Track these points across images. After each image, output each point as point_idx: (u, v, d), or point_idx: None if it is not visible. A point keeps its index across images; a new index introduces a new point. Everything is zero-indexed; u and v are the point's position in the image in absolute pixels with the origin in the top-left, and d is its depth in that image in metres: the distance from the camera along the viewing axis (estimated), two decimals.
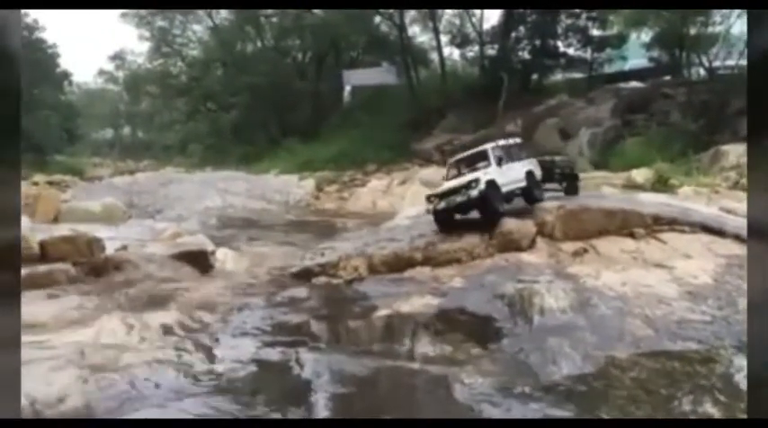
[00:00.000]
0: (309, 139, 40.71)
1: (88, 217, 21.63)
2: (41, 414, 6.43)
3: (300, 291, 11.02)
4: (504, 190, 13.45)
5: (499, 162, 13.77)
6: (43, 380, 7.02)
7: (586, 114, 32.49)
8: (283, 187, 29.85)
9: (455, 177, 14.50)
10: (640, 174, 23.32)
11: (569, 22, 35.10)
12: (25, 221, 20.22)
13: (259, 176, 32.38)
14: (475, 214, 13.54)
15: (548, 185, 15.48)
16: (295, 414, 6.62)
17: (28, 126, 47.89)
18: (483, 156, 14.16)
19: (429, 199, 13.75)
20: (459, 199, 12.96)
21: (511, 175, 13.86)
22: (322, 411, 6.68)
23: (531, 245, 11.90)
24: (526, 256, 11.25)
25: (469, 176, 13.48)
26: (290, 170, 35.30)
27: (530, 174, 14.55)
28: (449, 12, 41.64)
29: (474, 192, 12.74)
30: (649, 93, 32.34)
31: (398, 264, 12.10)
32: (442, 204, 13.24)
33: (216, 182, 29.24)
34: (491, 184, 12.96)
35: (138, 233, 18.40)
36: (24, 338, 8.26)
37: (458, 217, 13.76)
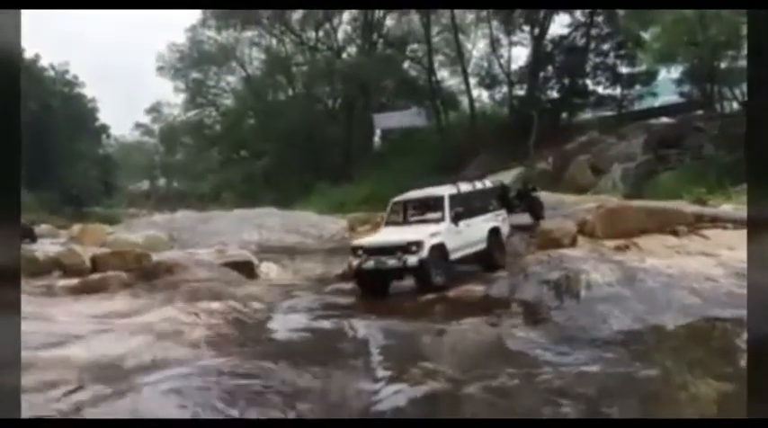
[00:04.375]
0: (341, 183, 41.38)
1: (132, 247, 22.20)
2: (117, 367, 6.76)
3: (346, 285, 11.26)
4: (454, 256, 11.05)
5: (456, 218, 11.22)
6: (117, 345, 7.39)
7: (618, 150, 32.61)
8: (318, 222, 30.26)
9: (397, 223, 12.08)
10: (677, 204, 23.25)
11: (597, 60, 35.65)
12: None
13: (293, 212, 32.89)
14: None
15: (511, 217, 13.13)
16: (354, 364, 6.83)
17: (67, 178, 49.85)
18: (437, 205, 11.57)
19: (355, 251, 11.04)
20: (391, 263, 10.41)
21: (468, 236, 11.39)
22: (377, 357, 6.88)
23: (573, 244, 12.01)
24: (568, 251, 11.35)
25: (411, 234, 10.84)
26: (323, 213, 35.78)
27: (494, 233, 12.06)
28: (476, 54, 42.68)
29: (413, 260, 10.24)
30: (681, 127, 32.39)
31: None
32: (371, 263, 10.63)
33: (252, 218, 29.79)
34: (437, 250, 10.58)
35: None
36: (98, 324, 8.69)
37: (393, 284, 11.10)
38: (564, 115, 37.38)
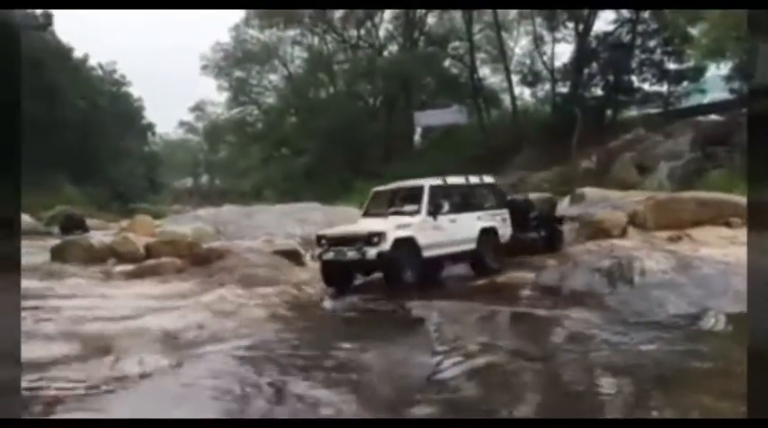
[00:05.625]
0: (381, 181, 41.44)
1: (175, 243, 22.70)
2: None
3: None
4: (430, 253, 10.07)
5: (435, 210, 10.30)
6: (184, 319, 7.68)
7: (665, 148, 31.97)
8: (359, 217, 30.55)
9: (377, 215, 11.10)
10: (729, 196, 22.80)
11: (644, 56, 35.04)
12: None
13: (336, 207, 33.17)
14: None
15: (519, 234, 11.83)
16: (412, 340, 6.96)
17: (114, 175, 51.20)
18: (417, 197, 10.56)
19: (319, 241, 10.49)
20: (351, 255, 9.70)
21: (451, 233, 10.42)
22: (433, 334, 7.00)
23: (622, 235, 11.92)
24: (618, 241, 11.26)
25: (375, 225, 10.05)
26: None
27: (487, 233, 11.04)
28: (518, 51, 42.50)
29: (372, 252, 9.48)
30: (730, 124, 31.62)
31: None
32: (331, 254, 10.04)
33: (295, 213, 30.14)
34: (405, 244, 9.70)
35: None
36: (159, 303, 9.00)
37: (359, 278, 10.58)
38: (608, 112, 36.88)
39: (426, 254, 10.00)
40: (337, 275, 10.27)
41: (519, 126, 38.33)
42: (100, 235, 23.91)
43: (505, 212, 11.63)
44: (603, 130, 34.64)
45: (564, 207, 18.50)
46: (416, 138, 47.27)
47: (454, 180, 11.36)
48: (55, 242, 17.76)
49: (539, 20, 38.31)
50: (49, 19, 52.15)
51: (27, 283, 10.17)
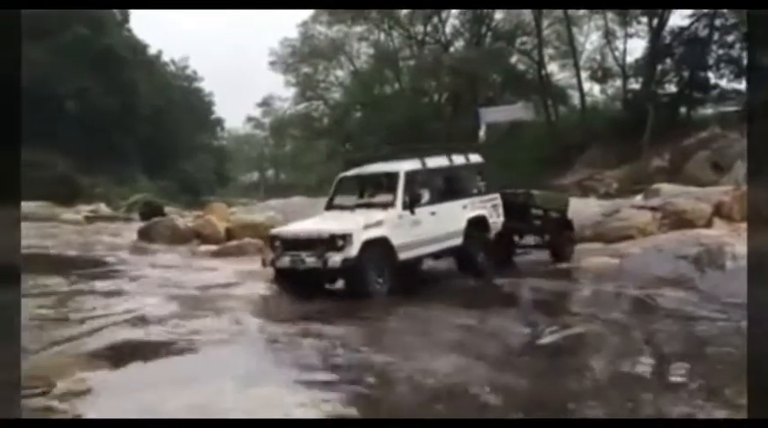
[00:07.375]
0: None
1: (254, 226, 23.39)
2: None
3: None
4: (407, 255, 8.48)
5: (413, 202, 8.57)
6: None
7: (742, 146, 30.95)
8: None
9: (345, 208, 9.29)
10: None
11: (721, 52, 33.96)
12: None
13: None
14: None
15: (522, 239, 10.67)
16: (505, 311, 7.11)
17: (185, 168, 52.81)
18: (391, 185, 8.85)
19: (272, 243, 8.64)
20: (310, 261, 7.93)
21: (430, 229, 8.73)
22: (526, 306, 7.13)
23: (707, 226, 11.66)
24: (704, 231, 11.03)
25: (339, 223, 8.37)
26: None
27: (476, 225, 9.43)
28: (588, 47, 41.75)
29: (336, 259, 7.76)
30: None
31: None
32: (286, 261, 8.19)
33: None
34: (377, 247, 8.05)
35: None
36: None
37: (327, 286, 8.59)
38: (682, 110, 35.90)
39: (403, 255, 8.40)
40: (297, 287, 8.24)
41: (588, 123, 37.71)
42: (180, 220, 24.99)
43: (496, 197, 9.99)
44: (677, 128, 33.71)
45: (637, 201, 18.19)
46: (481, 134, 46.87)
47: (435, 161, 9.52)
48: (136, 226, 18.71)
49: (610, 15, 37.55)
50: (125, 16, 54.31)
51: (122, 255, 10.92)
